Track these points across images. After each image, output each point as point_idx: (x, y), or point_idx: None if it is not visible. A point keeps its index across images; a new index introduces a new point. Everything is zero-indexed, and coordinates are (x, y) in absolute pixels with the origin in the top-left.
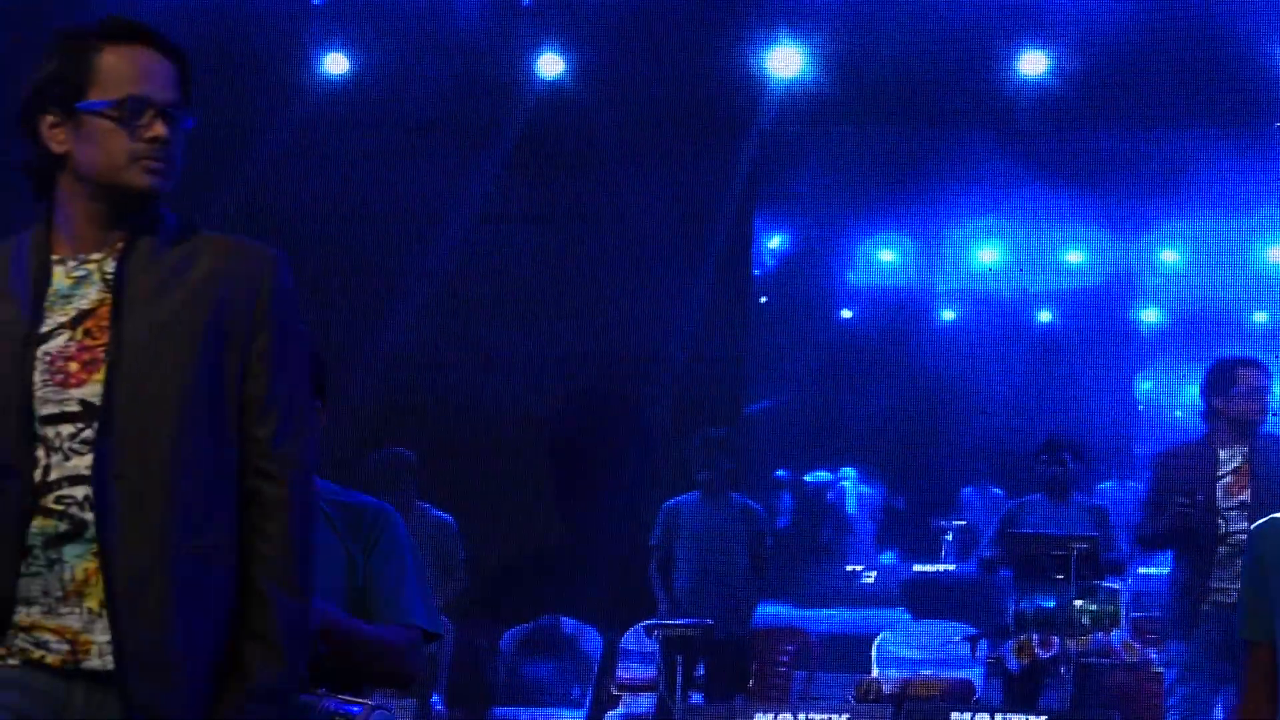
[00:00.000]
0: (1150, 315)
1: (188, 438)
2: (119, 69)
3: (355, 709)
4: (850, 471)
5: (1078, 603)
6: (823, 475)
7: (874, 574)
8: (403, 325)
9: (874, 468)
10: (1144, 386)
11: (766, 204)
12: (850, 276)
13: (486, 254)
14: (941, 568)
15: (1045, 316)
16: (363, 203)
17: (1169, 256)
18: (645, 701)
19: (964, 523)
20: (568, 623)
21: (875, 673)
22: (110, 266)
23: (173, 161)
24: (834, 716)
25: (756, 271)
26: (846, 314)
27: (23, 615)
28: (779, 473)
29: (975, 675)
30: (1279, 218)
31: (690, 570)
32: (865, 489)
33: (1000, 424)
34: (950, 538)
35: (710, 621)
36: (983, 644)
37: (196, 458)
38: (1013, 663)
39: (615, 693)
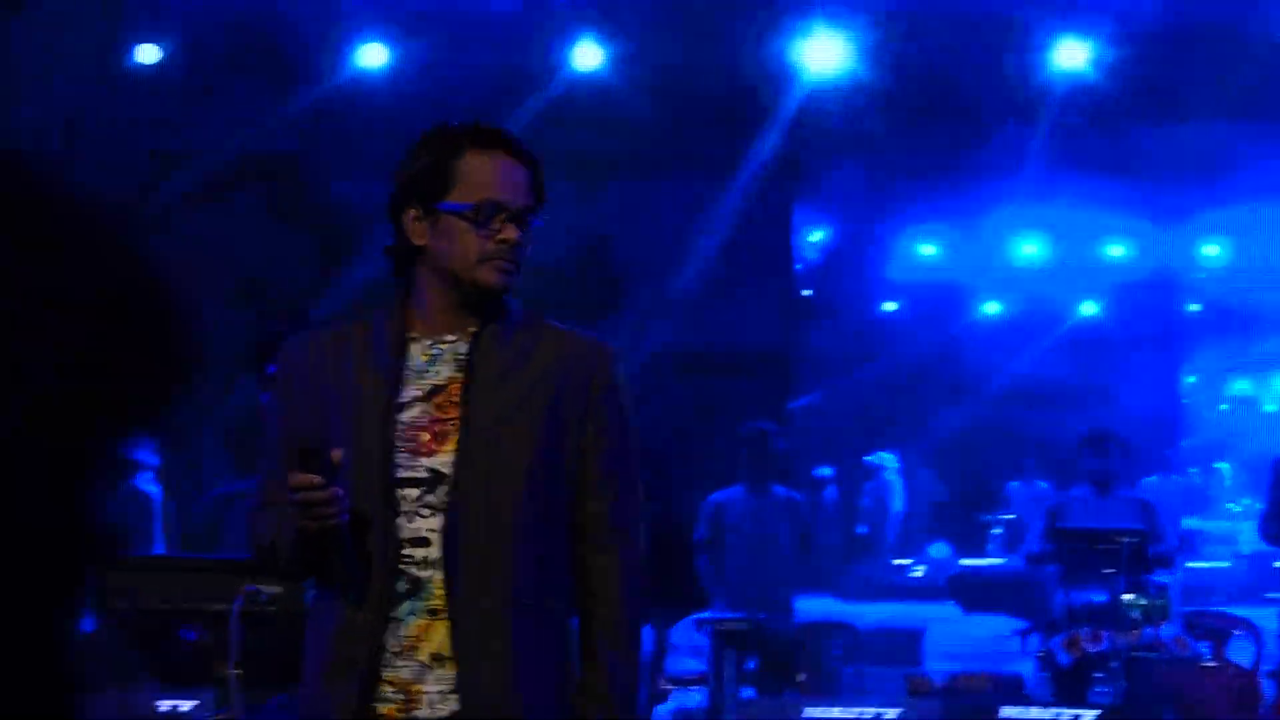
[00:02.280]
0: (1194, 309)
1: (527, 508)
2: (478, 174)
3: None
4: (891, 459)
5: (1127, 597)
6: (868, 467)
7: (923, 568)
8: None
9: (919, 462)
10: (1188, 380)
11: (807, 198)
12: (891, 270)
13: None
14: (989, 561)
15: (1089, 310)
16: None
17: (1211, 250)
18: (695, 696)
19: (1012, 516)
20: None
21: (924, 667)
22: (462, 349)
23: (521, 261)
24: (885, 711)
25: (798, 266)
26: (890, 307)
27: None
28: (824, 468)
29: (1025, 669)
30: None
31: (737, 564)
32: (909, 481)
33: (1046, 418)
34: (999, 531)
35: (763, 616)
36: (1032, 638)
37: (533, 527)
38: (1063, 657)
39: (665, 687)
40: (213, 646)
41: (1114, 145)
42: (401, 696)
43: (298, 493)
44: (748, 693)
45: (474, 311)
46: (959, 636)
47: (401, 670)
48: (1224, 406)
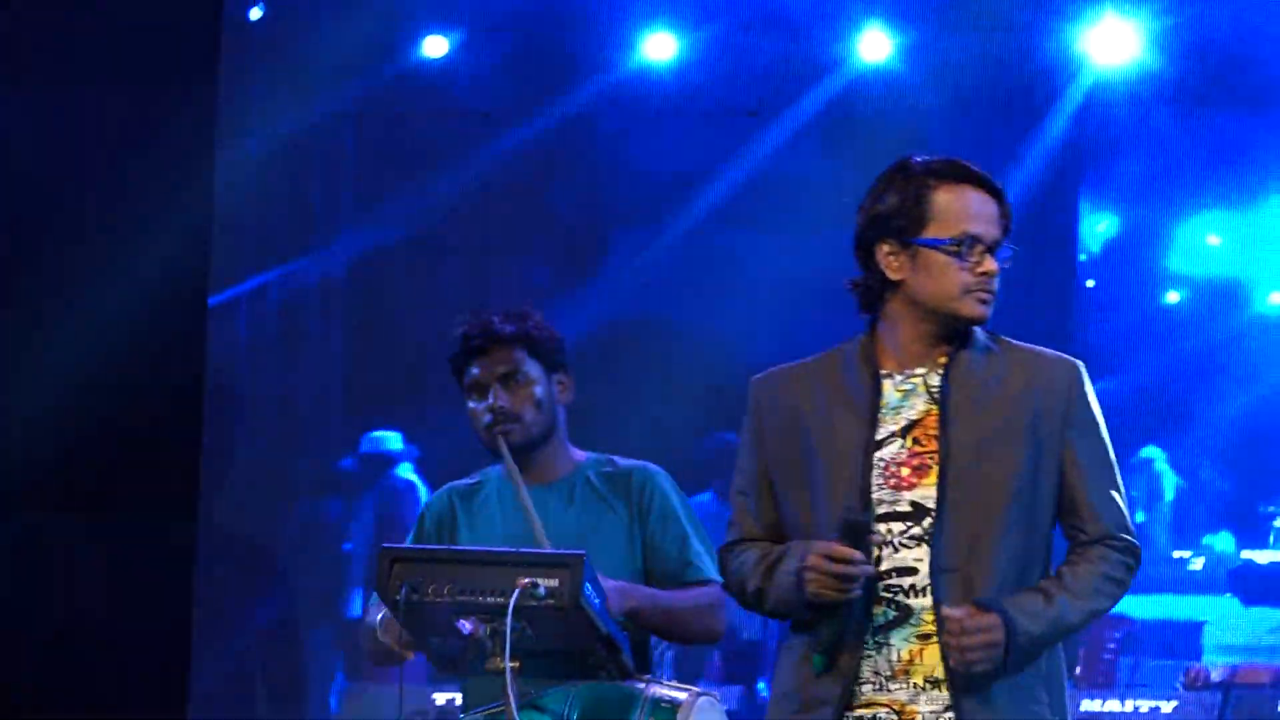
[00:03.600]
0: None
1: (1010, 533)
2: (954, 208)
3: (680, 696)
4: (1159, 451)
5: None
6: (1146, 457)
7: (1201, 560)
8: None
9: (1202, 454)
10: None
11: (1090, 187)
12: (1174, 261)
13: (804, 238)
14: (1272, 555)
15: None
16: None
17: None
18: None
19: None
20: None
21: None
22: (934, 380)
23: (996, 292)
24: (1162, 704)
25: (1082, 256)
26: (1172, 298)
27: (855, 694)
28: None
29: None
30: None
31: None
32: (1190, 474)
33: None
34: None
35: None
36: None
37: (1016, 550)
38: None
39: None
40: (489, 639)
41: None
42: (895, 717)
43: (835, 562)
44: None
45: (944, 341)
46: (1239, 630)
47: (897, 693)
48: None
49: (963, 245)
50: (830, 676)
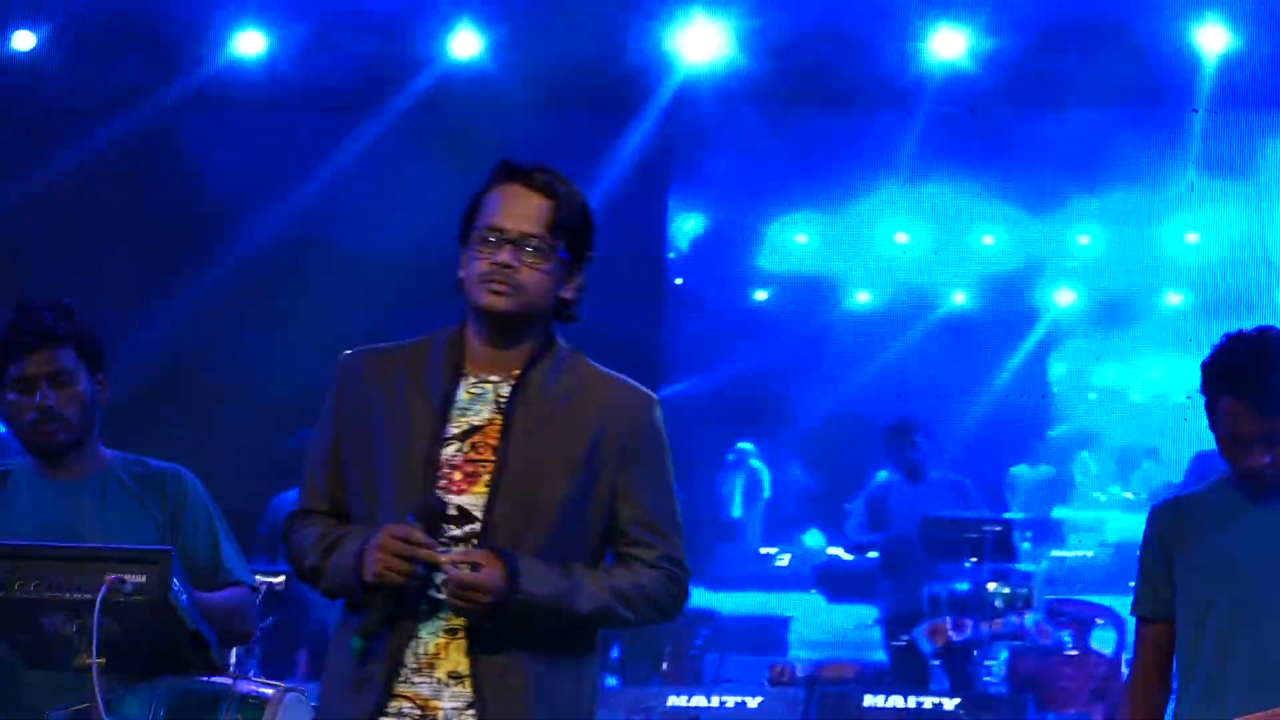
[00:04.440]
0: (1064, 297)
1: (549, 553)
2: (490, 204)
3: (268, 692)
4: (749, 446)
5: (990, 586)
6: (742, 453)
7: (787, 556)
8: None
9: (790, 451)
10: (1057, 369)
11: (679, 186)
12: (763, 260)
13: (401, 233)
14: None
15: (959, 299)
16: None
17: (1083, 239)
18: None
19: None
20: None
21: (788, 656)
22: (505, 390)
23: (521, 286)
24: (747, 699)
25: (671, 255)
26: (761, 296)
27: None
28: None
29: (888, 659)
30: (1191, 200)
31: None
32: (777, 470)
33: (913, 407)
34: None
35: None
36: (894, 627)
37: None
38: (926, 646)
39: None
40: (75, 636)
41: (988, 134)
42: (418, 712)
43: (407, 544)
44: (611, 681)
45: (518, 350)
46: (824, 626)
47: (420, 686)
48: (1092, 396)
49: (484, 237)
50: (374, 656)
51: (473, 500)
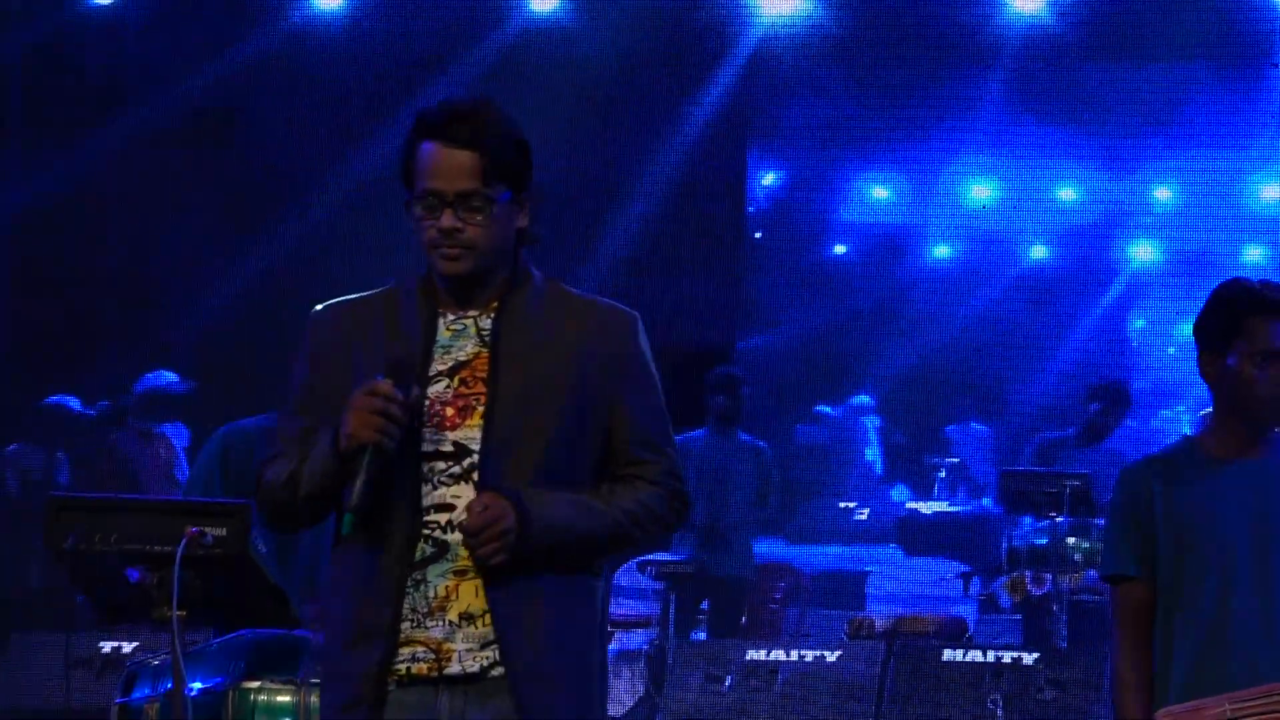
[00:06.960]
0: (1144, 252)
1: (550, 479)
2: (421, 163)
3: None
4: (866, 399)
5: (1070, 540)
6: (825, 410)
7: (866, 510)
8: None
9: (870, 405)
10: (1137, 324)
11: (760, 139)
12: (843, 213)
13: None
14: (936, 506)
15: (1039, 253)
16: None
17: (1163, 194)
18: (639, 638)
19: (956, 460)
20: None
21: (868, 610)
22: (486, 324)
23: (473, 245)
24: (826, 653)
25: (750, 208)
26: (840, 249)
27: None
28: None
29: (968, 612)
30: (1272, 156)
31: (697, 508)
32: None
33: (991, 362)
34: (944, 475)
35: (703, 558)
36: (975, 581)
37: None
38: (1005, 599)
39: (609, 629)
40: (156, 588)
41: (1067, 87)
42: (432, 656)
43: (378, 397)
44: (699, 635)
45: (495, 284)
46: (903, 579)
47: (433, 630)
48: (1172, 350)
49: (423, 200)
50: (375, 605)
51: (468, 434)
